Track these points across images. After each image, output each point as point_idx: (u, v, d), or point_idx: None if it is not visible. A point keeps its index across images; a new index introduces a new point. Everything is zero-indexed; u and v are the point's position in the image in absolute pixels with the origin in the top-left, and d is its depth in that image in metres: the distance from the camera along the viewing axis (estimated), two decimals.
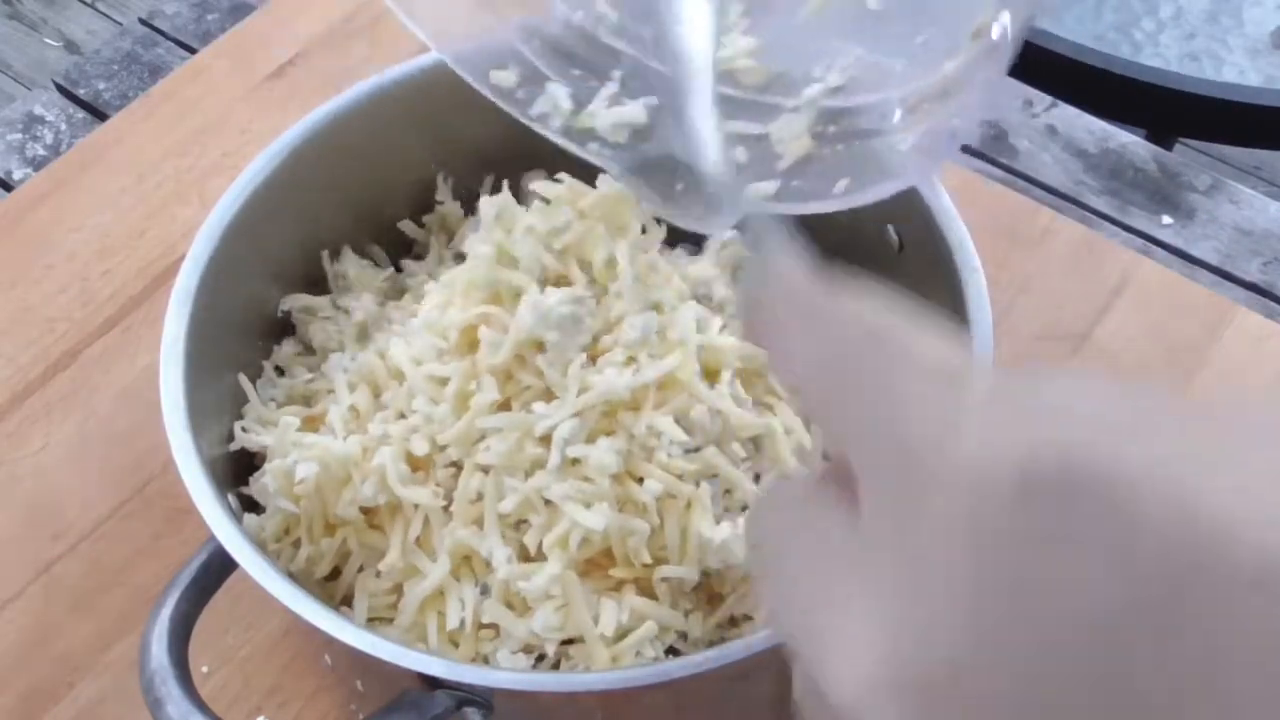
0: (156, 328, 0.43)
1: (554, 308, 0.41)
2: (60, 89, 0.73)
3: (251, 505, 0.44)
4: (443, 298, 0.45)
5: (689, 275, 0.47)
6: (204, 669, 0.49)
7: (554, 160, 0.51)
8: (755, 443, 0.43)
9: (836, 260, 0.53)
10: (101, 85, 0.73)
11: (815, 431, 0.44)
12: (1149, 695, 0.15)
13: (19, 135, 0.71)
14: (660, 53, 0.34)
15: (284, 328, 0.50)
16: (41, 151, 0.70)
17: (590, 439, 0.40)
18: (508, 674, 0.37)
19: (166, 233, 0.64)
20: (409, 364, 0.43)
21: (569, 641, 0.41)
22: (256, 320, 0.49)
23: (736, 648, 0.36)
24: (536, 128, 0.34)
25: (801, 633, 0.20)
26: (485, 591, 0.41)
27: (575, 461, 0.40)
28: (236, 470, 0.45)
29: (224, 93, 0.69)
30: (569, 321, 0.41)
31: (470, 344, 0.43)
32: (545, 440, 0.40)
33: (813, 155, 0.33)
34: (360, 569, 0.43)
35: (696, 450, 0.42)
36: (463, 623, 0.41)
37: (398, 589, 0.43)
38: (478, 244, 0.44)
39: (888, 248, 0.48)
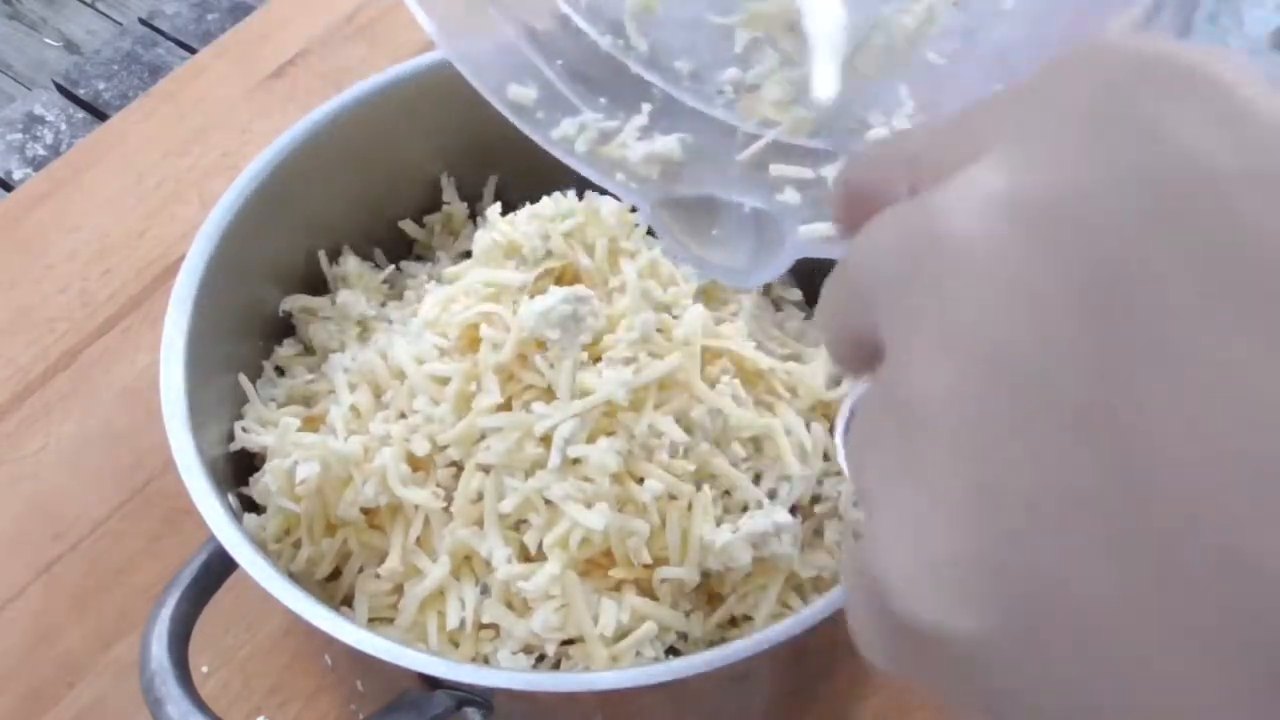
0: (156, 328, 0.43)
1: (555, 306, 0.41)
2: (60, 89, 0.73)
3: (251, 505, 0.44)
4: (445, 295, 0.45)
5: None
6: (204, 669, 0.49)
7: (554, 160, 0.51)
8: (755, 443, 0.43)
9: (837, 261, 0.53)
10: (101, 85, 0.73)
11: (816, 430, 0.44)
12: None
13: (19, 135, 0.71)
14: (696, 89, 0.33)
15: (284, 328, 0.50)
16: (41, 151, 0.70)
17: (590, 439, 0.40)
18: (508, 674, 0.37)
19: (166, 233, 0.64)
20: (411, 363, 0.43)
21: (569, 642, 0.41)
22: (256, 320, 0.49)
23: (736, 648, 0.36)
24: (555, 151, 0.32)
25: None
26: (485, 591, 0.41)
27: (575, 461, 0.40)
28: (236, 470, 0.45)
29: (224, 93, 0.70)
30: (570, 320, 0.41)
31: (471, 342, 0.43)
32: (545, 440, 0.40)
33: None
34: (360, 569, 0.43)
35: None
36: (463, 623, 0.41)
37: (398, 589, 0.42)
38: (483, 238, 0.44)
39: None
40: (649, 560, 0.40)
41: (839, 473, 0.44)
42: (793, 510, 0.42)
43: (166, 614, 0.38)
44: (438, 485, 0.42)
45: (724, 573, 0.41)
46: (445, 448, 0.42)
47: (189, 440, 0.40)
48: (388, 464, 0.41)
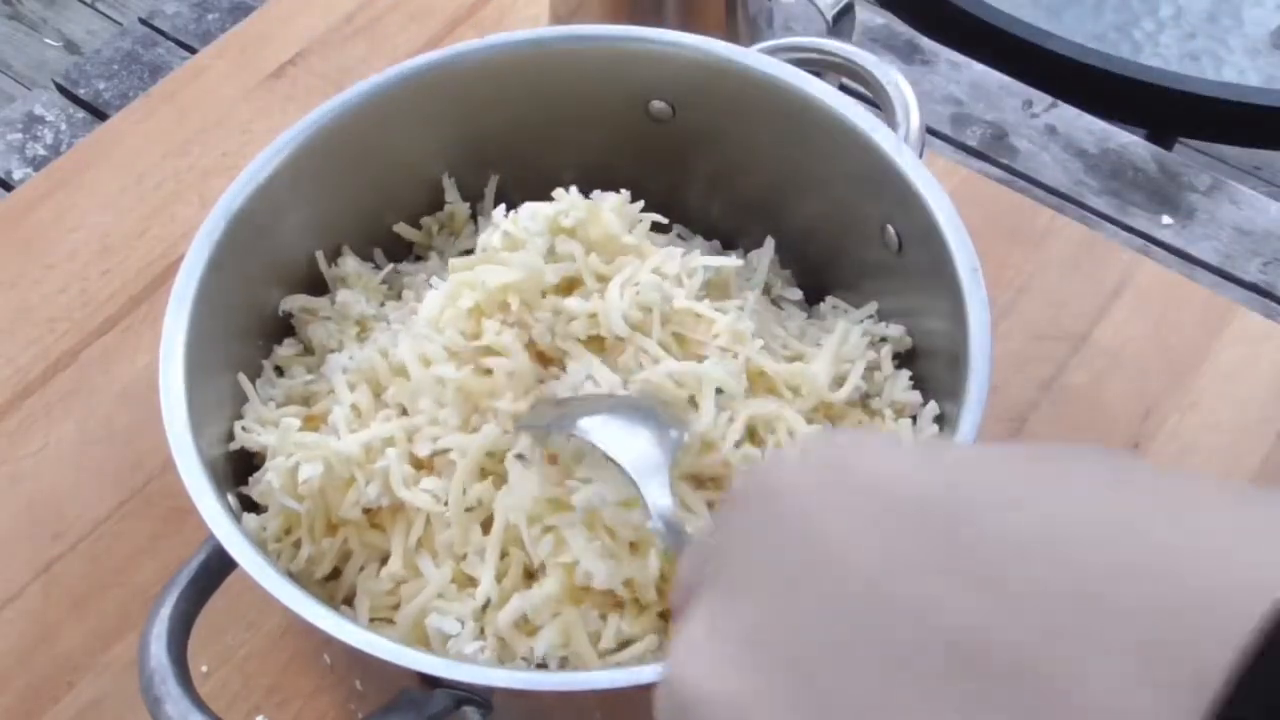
0: (156, 328, 0.43)
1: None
2: (60, 89, 0.73)
3: (251, 505, 0.44)
4: (448, 291, 0.45)
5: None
6: (203, 668, 0.49)
7: (555, 161, 0.51)
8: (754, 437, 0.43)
9: (838, 261, 0.53)
10: (101, 85, 0.73)
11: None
12: None
13: (19, 135, 0.71)
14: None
15: (284, 328, 0.50)
16: (41, 151, 0.70)
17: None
18: (507, 673, 0.37)
19: (166, 233, 0.64)
20: (416, 363, 0.43)
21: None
22: (256, 320, 0.49)
23: None
24: None
25: None
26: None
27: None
28: (236, 470, 0.45)
29: (224, 93, 0.69)
30: None
31: (474, 337, 0.43)
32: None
33: None
34: (361, 569, 0.43)
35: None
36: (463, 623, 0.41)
37: (399, 589, 0.43)
38: (487, 237, 0.45)
39: (888, 248, 0.48)
40: (654, 598, 0.40)
41: None
42: None
43: (166, 613, 0.38)
44: (437, 485, 0.42)
45: None
46: (448, 451, 0.42)
47: (189, 440, 0.40)
48: (391, 465, 0.41)
